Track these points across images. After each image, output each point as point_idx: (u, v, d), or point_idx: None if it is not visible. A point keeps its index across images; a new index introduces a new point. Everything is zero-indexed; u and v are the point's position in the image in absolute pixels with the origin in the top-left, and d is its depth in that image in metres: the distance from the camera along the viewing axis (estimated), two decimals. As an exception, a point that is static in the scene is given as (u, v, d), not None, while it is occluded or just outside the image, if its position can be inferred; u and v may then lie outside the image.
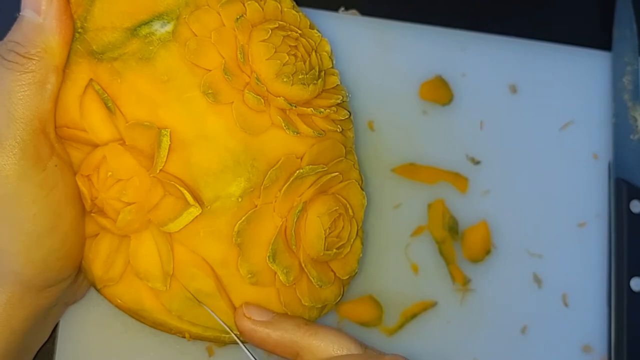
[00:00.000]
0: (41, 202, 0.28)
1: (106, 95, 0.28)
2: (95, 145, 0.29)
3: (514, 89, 0.43)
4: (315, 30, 0.32)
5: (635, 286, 0.39)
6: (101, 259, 0.30)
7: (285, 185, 0.29)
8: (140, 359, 0.36)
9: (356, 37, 0.41)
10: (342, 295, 0.33)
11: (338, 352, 0.29)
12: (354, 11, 0.42)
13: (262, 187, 0.29)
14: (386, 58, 0.41)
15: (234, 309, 0.30)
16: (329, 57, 0.32)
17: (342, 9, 0.42)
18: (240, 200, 0.29)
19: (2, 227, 0.28)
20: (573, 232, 0.41)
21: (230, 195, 0.29)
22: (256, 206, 0.29)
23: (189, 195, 0.28)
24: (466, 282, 0.39)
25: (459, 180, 0.41)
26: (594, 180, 0.42)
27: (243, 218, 0.29)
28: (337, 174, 0.31)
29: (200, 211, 0.28)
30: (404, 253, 0.40)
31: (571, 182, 0.42)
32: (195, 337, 0.31)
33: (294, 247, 0.30)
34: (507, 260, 0.40)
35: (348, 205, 0.31)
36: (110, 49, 0.29)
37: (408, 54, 0.42)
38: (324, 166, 0.30)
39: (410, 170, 0.40)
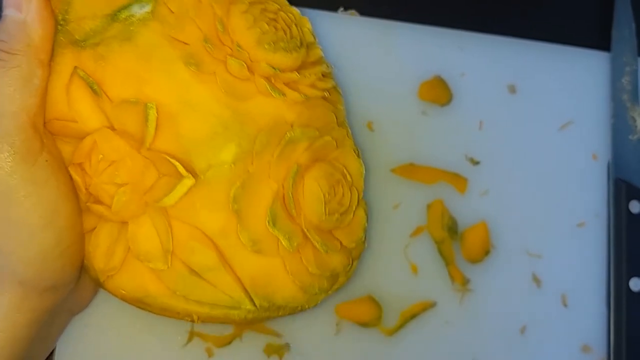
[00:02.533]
0: (33, 198, 0.28)
1: (90, 78, 0.29)
2: (84, 136, 0.29)
3: (513, 89, 0.43)
4: (294, 8, 0.32)
5: (635, 286, 0.39)
6: (101, 250, 0.30)
7: (278, 149, 0.29)
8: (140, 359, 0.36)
9: (355, 37, 0.41)
10: (351, 266, 0.32)
11: None
12: (353, 11, 0.42)
13: (254, 152, 0.29)
14: (385, 58, 0.41)
15: (239, 281, 0.30)
16: (311, 33, 0.33)
17: (342, 9, 0.42)
18: (233, 166, 0.29)
19: None
20: (572, 232, 0.41)
21: (223, 162, 0.29)
22: (249, 172, 0.29)
23: (181, 167, 0.28)
24: (465, 282, 0.39)
25: (458, 181, 0.41)
26: (593, 180, 0.42)
27: (238, 183, 0.29)
28: (330, 138, 0.31)
29: (194, 182, 0.28)
30: (403, 253, 0.40)
31: (570, 182, 0.42)
32: (204, 319, 0.31)
33: (293, 211, 0.30)
34: (506, 261, 0.40)
35: (346, 172, 0.31)
36: (92, 36, 0.29)
37: (407, 54, 0.42)
38: (316, 131, 0.30)
39: (410, 171, 0.40)
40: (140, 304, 0.31)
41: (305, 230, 0.30)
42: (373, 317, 0.38)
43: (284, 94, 0.30)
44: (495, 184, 0.41)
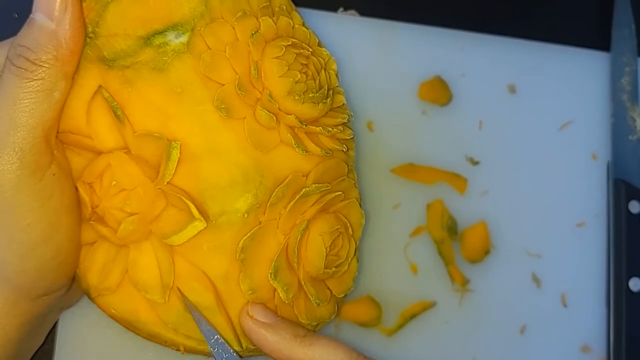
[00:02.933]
0: (36, 212, 0.27)
1: (115, 103, 0.28)
2: (99, 153, 0.29)
3: (513, 89, 0.43)
4: (323, 49, 0.32)
5: (634, 286, 0.39)
6: (97, 267, 0.30)
7: (291, 203, 0.29)
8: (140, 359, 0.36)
9: (355, 37, 0.41)
10: (337, 313, 0.32)
11: None
12: (352, 12, 0.42)
13: (268, 204, 0.29)
14: (385, 58, 0.41)
15: (232, 324, 0.30)
16: (336, 75, 0.32)
17: (341, 9, 0.42)
18: (246, 216, 0.28)
19: None
20: (572, 232, 0.41)
21: (237, 211, 0.28)
22: (260, 222, 0.29)
23: (195, 209, 0.28)
24: (465, 282, 0.39)
25: (458, 181, 0.41)
26: (593, 180, 0.42)
27: (248, 234, 0.28)
28: (340, 193, 0.31)
29: (205, 225, 0.28)
30: (403, 253, 0.40)
31: (570, 182, 0.42)
32: (189, 351, 0.31)
33: (295, 264, 0.30)
34: (506, 261, 0.40)
35: (348, 224, 0.31)
36: (122, 57, 0.28)
37: (407, 54, 0.42)
38: (328, 185, 0.30)
39: (409, 171, 0.40)
40: (129, 326, 0.31)
41: (303, 282, 0.30)
42: (373, 317, 0.38)
43: (306, 150, 0.29)
44: (495, 184, 0.41)
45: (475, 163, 0.41)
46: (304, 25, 0.32)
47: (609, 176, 0.42)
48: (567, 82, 0.43)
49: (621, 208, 0.40)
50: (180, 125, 0.28)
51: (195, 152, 0.28)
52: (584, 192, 0.42)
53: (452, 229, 0.40)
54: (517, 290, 0.40)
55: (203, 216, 0.28)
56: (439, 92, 0.42)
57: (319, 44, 0.32)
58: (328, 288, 0.31)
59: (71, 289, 0.33)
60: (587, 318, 0.40)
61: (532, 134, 0.42)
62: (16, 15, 0.41)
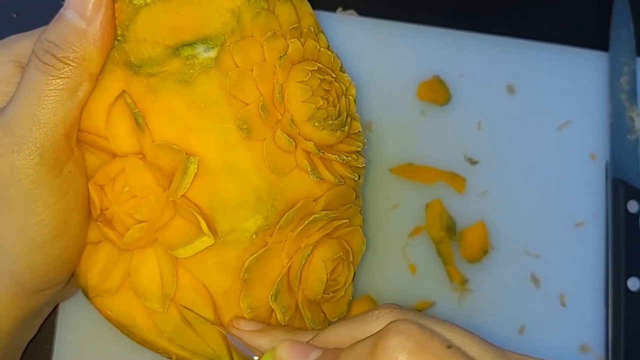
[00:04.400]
0: (50, 209, 0.27)
1: (137, 110, 0.28)
2: (114, 155, 0.29)
3: (511, 89, 0.43)
4: (345, 75, 0.32)
5: (632, 286, 0.39)
6: (98, 268, 0.30)
7: (299, 228, 0.29)
8: (138, 360, 0.36)
9: (354, 37, 0.41)
10: None
11: None
12: (351, 11, 0.42)
13: (277, 227, 0.29)
14: (384, 58, 0.41)
15: (226, 340, 0.30)
16: (354, 100, 0.32)
17: (340, 9, 0.42)
18: (254, 237, 0.28)
19: (8, 229, 0.28)
20: (570, 232, 0.41)
21: (246, 231, 0.28)
22: (267, 244, 0.29)
23: (204, 224, 0.28)
24: (464, 282, 0.40)
25: (456, 181, 0.41)
26: (592, 180, 0.42)
27: (254, 255, 0.29)
28: (346, 220, 0.31)
29: (213, 242, 0.28)
30: (401, 253, 0.40)
31: (568, 182, 0.42)
32: None
33: (296, 287, 0.30)
34: (504, 260, 0.40)
35: (350, 251, 0.31)
36: (149, 64, 0.28)
37: (406, 54, 0.42)
38: (336, 212, 0.30)
39: (408, 171, 0.41)
40: (124, 329, 0.31)
41: (300, 305, 0.30)
42: (372, 317, 0.38)
43: (321, 178, 0.30)
44: (493, 183, 0.41)
45: (474, 163, 0.41)
46: (329, 48, 0.32)
47: (608, 176, 0.42)
48: (565, 82, 0.43)
49: (620, 208, 0.40)
50: (200, 140, 0.28)
51: (211, 168, 0.28)
52: (582, 191, 0.42)
53: (451, 228, 0.40)
54: (515, 290, 0.40)
55: (212, 232, 0.28)
56: (437, 92, 0.42)
57: (341, 68, 0.32)
58: (322, 311, 0.32)
59: (68, 283, 0.33)
60: (586, 317, 0.40)
61: (531, 134, 0.42)
62: (15, 16, 0.41)
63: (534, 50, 0.43)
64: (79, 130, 0.29)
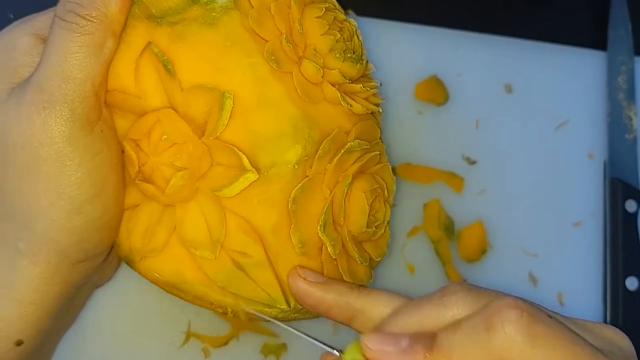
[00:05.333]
0: (86, 167, 0.28)
1: (166, 57, 0.28)
2: (143, 113, 0.29)
3: (509, 89, 0.43)
4: (352, 19, 0.33)
5: (631, 285, 0.39)
6: (141, 230, 0.30)
7: (336, 158, 0.29)
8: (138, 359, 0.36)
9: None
10: (372, 278, 0.33)
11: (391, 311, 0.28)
12: (349, 11, 0.42)
13: (316, 157, 0.29)
14: (381, 58, 0.41)
15: (279, 281, 0.30)
16: (362, 46, 0.33)
17: (338, 9, 0.42)
18: (296, 167, 0.29)
19: (45, 191, 0.28)
20: (568, 231, 0.41)
21: (287, 162, 0.29)
22: (308, 176, 0.29)
23: (246, 160, 0.28)
24: (462, 281, 0.40)
25: (454, 180, 0.41)
26: (590, 179, 0.42)
27: (299, 185, 0.29)
28: (377, 153, 0.31)
29: (257, 176, 0.28)
30: (400, 253, 0.40)
31: (566, 181, 0.42)
32: (236, 312, 0.31)
33: (341, 220, 0.30)
34: (502, 260, 0.40)
35: (385, 186, 0.32)
36: (170, 14, 0.29)
37: (403, 54, 0.42)
38: (367, 144, 0.31)
39: (406, 170, 0.41)
40: (174, 289, 0.31)
41: (346, 240, 0.30)
42: (370, 316, 0.38)
43: (350, 105, 0.30)
44: (491, 183, 0.41)
45: (471, 162, 0.41)
46: None
47: (606, 175, 0.42)
48: (563, 81, 0.43)
49: (617, 207, 0.40)
50: (230, 78, 0.28)
51: (245, 104, 0.28)
52: (580, 191, 0.42)
53: (449, 228, 0.40)
54: (514, 289, 0.40)
55: (254, 168, 0.28)
56: (435, 91, 0.42)
57: (347, 15, 0.33)
58: (366, 252, 0.32)
59: (106, 261, 0.33)
60: (584, 317, 0.40)
61: (529, 133, 0.42)
62: (12, 16, 0.41)
63: (532, 49, 0.43)
64: (108, 91, 0.29)
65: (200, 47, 0.29)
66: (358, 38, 0.32)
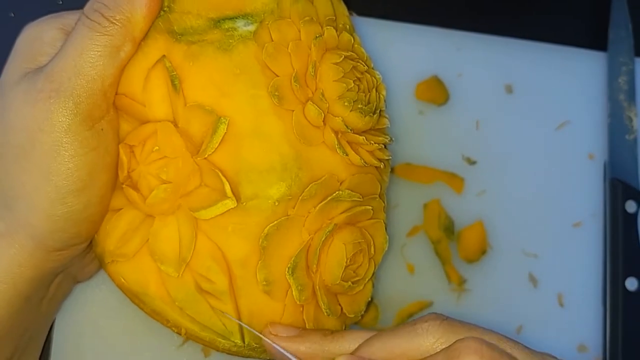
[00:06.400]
0: (78, 159, 0.28)
1: (175, 72, 0.29)
2: (145, 122, 0.29)
3: (509, 89, 0.43)
4: (377, 73, 0.33)
5: (631, 286, 0.39)
6: (118, 233, 0.30)
7: (322, 203, 0.29)
8: (136, 359, 0.36)
9: (352, 37, 0.41)
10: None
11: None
12: (350, 11, 0.42)
13: (299, 198, 0.29)
14: (382, 58, 0.41)
15: (238, 314, 0.30)
16: (384, 100, 0.33)
17: (338, 8, 0.42)
18: (276, 204, 0.29)
19: (33, 175, 0.28)
20: (568, 232, 0.41)
21: (269, 197, 0.29)
22: (288, 215, 0.29)
23: (228, 186, 0.28)
24: (462, 282, 0.40)
25: (454, 180, 0.41)
26: (590, 180, 0.42)
27: (275, 222, 0.29)
28: (370, 207, 0.31)
29: (235, 205, 0.28)
30: (400, 253, 0.40)
31: (567, 182, 0.42)
32: (190, 335, 0.31)
33: (314, 266, 0.30)
34: (502, 260, 0.40)
35: (372, 243, 0.31)
36: (191, 33, 0.30)
37: (404, 54, 0.42)
38: (360, 197, 0.31)
39: (406, 170, 0.41)
40: (136, 299, 0.31)
41: (317, 288, 0.30)
42: (370, 317, 0.38)
43: (346, 154, 0.30)
44: (491, 183, 0.41)
45: (472, 163, 0.41)
46: (362, 46, 0.33)
47: (606, 176, 0.42)
48: (564, 82, 0.43)
49: (618, 208, 0.40)
50: (231, 104, 0.29)
51: (240, 132, 0.29)
52: (580, 191, 0.42)
53: (449, 228, 0.40)
54: (513, 289, 0.40)
55: (235, 196, 0.28)
56: (435, 92, 0.42)
57: (373, 68, 0.33)
58: (339, 304, 0.32)
59: (85, 257, 0.33)
60: (584, 317, 0.40)
61: (529, 134, 0.42)
62: (12, 15, 0.41)
63: (533, 50, 0.43)
64: (117, 93, 0.30)
65: (210, 69, 0.29)
66: (377, 91, 0.32)
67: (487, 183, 0.41)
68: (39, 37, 0.30)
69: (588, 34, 0.45)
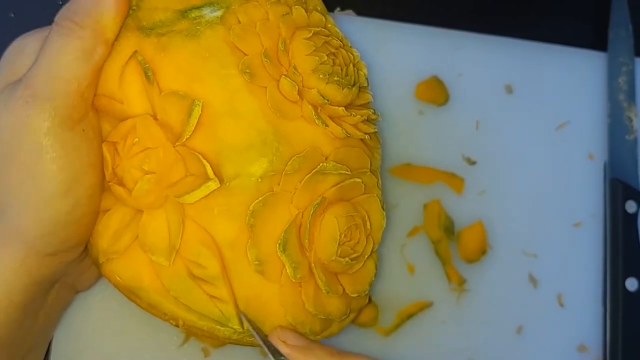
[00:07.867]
0: (61, 161, 0.28)
1: (147, 65, 0.29)
2: (125, 118, 0.30)
3: (509, 89, 0.43)
4: (355, 50, 0.33)
5: (631, 286, 0.39)
6: (109, 232, 0.30)
7: (307, 177, 0.29)
8: (136, 360, 0.36)
9: (352, 37, 0.41)
10: (348, 317, 0.32)
11: None
12: (350, 11, 0.42)
13: (283, 173, 0.29)
14: (382, 58, 0.41)
15: (234, 298, 0.29)
16: (365, 78, 0.33)
17: (338, 9, 0.42)
18: (259, 181, 0.29)
19: (18, 180, 0.28)
20: (568, 232, 0.41)
21: (251, 175, 0.29)
22: (274, 192, 0.29)
23: (210, 168, 0.28)
24: (462, 282, 0.40)
25: (454, 181, 0.41)
26: (590, 180, 0.42)
27: (260, 199, 0.29)
28: (360, 180, 0.31)
29: (218, 185, 0.28)
30: (400, 253, 0.40)
31: (567, 182, 0.42)
32: (188, 327, 0.30)
33: (306, 242, 0.29)
34: (502, 260, 0.40)
35: (367, 218, 0.31)
36: (160, 26, 0.30)
37: (404, 54, 0.42)
38: (348, 170, 0.30)
39: (406, 171, 0.41)
40: (132, 295, 0.31)
41: (313, 265, 0.30)
42: (370, 317, 0.38)
43: (326, 125, 0.30)
44: (491, 183, 0.41)
45: (472, 163, 0.41)
46: (337, 26, 0.33)
47: (606, 176, 0.42)
48: (564, 82, 0.43)
49: (618, 208, 0.40)
50: (203, 87, 0.29)
51: (215, 113, 0.29)
52: (580, 191, 0.42)
53: (449, 228, 0.40)
54: (513, 290, 0.40)
55: (217, 177, 0.28)
56: (435, 92, 0.42)
57: (351, 46, 0.33)
58: (341, 285, 0.31)
59: (82, 264, 0.33)
60: (584, 318, 0.40)
61: (529, 134, 0.42)
62: (12, 15, 0.41)
63: (532, 50, 0.43)
64: (96, 95, 0.30)
65: (180, 57, 0.29)
66: (355, 67, 0.32)
67: (487, 183, 0.41)
68: (20, 50, 0.31)
69: (588, 34, 0.45)
